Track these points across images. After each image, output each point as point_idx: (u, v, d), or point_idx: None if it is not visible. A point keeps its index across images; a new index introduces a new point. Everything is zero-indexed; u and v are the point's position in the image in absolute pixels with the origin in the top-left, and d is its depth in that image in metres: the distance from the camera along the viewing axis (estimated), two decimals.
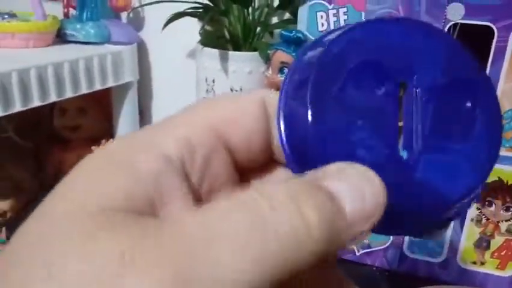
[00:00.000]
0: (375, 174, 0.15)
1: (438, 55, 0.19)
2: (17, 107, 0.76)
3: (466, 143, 0.18)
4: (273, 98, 0.20)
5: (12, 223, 0.92)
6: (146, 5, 0.86)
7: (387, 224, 0.16)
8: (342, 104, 0.18)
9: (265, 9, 0.84)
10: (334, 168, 0.16)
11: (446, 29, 0.39)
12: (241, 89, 0.78)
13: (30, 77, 0.77)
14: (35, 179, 0.99)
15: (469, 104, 0.19)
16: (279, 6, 0.83)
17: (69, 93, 0.85)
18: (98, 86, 0.91)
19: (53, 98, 0.82)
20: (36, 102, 0.79)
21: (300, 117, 0.18)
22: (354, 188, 0.15)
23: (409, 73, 0.19)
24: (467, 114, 0.19)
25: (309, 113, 0.17)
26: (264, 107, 0.20)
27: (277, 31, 0.85)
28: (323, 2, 0.44)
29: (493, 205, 0.43)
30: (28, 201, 0.98)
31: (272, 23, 0.88)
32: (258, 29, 0.84)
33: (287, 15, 0.88)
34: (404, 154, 0.18)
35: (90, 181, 0.19)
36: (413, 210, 0.17)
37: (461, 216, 0.44)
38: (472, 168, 0.18)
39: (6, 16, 0.95)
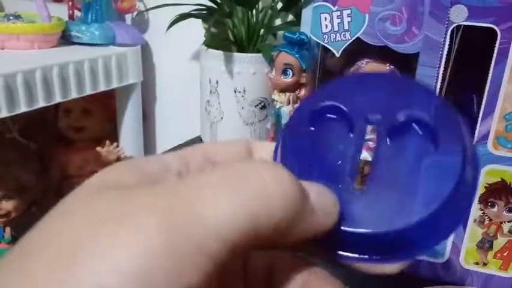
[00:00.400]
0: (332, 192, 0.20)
1: (400, 97, 0.21)
2: (22, 108, 0.76)
3: (418, 182, 0.20)
4: (255, 142, 0.24)
5: (17, 223, 0.93)
6: (151, 9, 0.87)
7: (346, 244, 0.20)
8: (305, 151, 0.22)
9: (269, 11, 0.84)
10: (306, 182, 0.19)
11: (449, 31, 0.39)
12: (244, 91, 0.78)
13: (36, 78, 0.78)
14: (39, 179, 1.00)
15: (428, 145, 0.20)
16: (283, 8, 0.83)
17: (74, 94, 0.85)
18: (102, 87, 0.92)
19: (57, 98, 0.82)
20: (41, 103, 0.79)
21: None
22: (318, 191, 0.19)
23: (372, 113, 0.21)
24: (426, 154, 0.20)
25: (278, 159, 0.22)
26: (248, 146, 0.24)
27: (280, 33, 0.85)
28: (327, 3, 0.44)
29: (496, 206, 0.43)
30: (32, 201, 0.99)
31: (276, 25, 0.88)
32: (262, 30, 0.84)
33: (290, 17, 0.89)
34: (359, 187, 0.21)
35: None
36: (366, 233, 0.19)
37: (465, 217, 0.44)
38: (423, 203, 0.19)
39: (11, 18, 0.95)
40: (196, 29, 0.91)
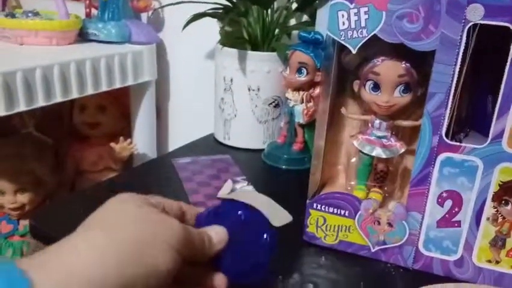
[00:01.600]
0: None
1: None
2: (40, 102, 0.77)
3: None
4: (187, 206, 0.42)
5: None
6: (167, 5, 0.88)
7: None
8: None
9: (284, 11, 0.84)
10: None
11: (466, 29, 0.40)
12: (258, 89, 0.79)
13: (54, 74, 0.79)
14: (54, 174, 1.01)
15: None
16: (298, 9, 0.84)
17: (90, 90, 0.87)
18: (118, 84, 0.93)
19: (74, 94, 0.84)
20: (58, 98, 0.81)
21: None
22: (216, 231, 0.39)
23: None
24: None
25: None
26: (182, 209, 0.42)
27: (294, 33, 0.85)
28: (345, 1, 0.44)
29: (510, 204, 0.43)
30: (47, 195, 1.00)
31: (290, 25, 0.89)
32: (277, 30, 0.85)
33: (305, 17, 0.89)
34: None
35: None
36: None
37: (477, 213, 0.45)
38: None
39: (30, 14, 0.97)
40: (211, 28, 0.92)
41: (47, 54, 0.85)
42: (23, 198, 0.96)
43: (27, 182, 0.96)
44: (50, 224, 0.57)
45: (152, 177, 0.72)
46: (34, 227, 0.57)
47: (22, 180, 0.95)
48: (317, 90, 0.74)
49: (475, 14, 0.39)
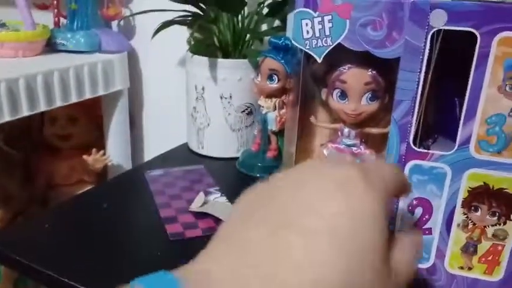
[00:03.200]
0: None
1: None
2: (6, 117, 0.75)
3: None
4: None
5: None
6: (136, 14, 0.86)
7: None
8: None
9: (255, 17, 0.84)
10: None
11: (429, 36, 0.39)
12: (230, 96, 0.78)
13: (19, 87, 0.77)
14: (24, 189, 0.99)
15: None
16: (269, 14, 0.83)
17: (58, 103, 0.85)
18: (88, 95, 0.91)
19: (42, 107, 0.81)
20: (25, 112, 0.78)
21: None
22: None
23: None
24: None
25: None
26: None
27: (267, 38, 0.85)
28: (308, 10, 0.44)
29: (479, 210, 0.43)
30: (17, 211, 0.98)
31: (262, 30, 0.88)
32: (248, 36, 0.84)
33: (277, 22, 0.89)
34: None
35: None
36: None
37: (448, 220, 0.44)
38: None
39: None
40: (183, 35, 0.91)
41: (13, 66, 0.82)
42: None
43: None
44: (13, 247, 0.55)
45: (123, 192, 0.70)
46: None
47: None
48: (290, 97, 0.74)
49: (438, 20, 0.38)
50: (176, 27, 0.80)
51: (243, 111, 0.81)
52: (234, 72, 0.78)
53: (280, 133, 0.75)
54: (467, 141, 0.41)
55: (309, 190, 0.26)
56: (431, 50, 0.40)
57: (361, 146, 0.51)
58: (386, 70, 0.46)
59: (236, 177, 0.77)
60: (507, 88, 0.38)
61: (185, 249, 0.55)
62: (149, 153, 1.16)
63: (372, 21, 0.41)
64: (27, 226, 0.63)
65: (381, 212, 0.25)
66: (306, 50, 0.45)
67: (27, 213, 1.00)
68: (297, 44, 0.46)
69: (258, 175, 0.76)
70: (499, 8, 0.37)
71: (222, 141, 0.82)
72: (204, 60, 0.78)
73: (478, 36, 0.38)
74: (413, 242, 0.30)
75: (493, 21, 0.37)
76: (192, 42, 0.83)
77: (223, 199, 0.67)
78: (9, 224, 0.96)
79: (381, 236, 0.25)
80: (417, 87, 0.41)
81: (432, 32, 0.39)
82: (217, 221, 0.60)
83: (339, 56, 0.46)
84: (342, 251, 0.23)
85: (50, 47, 0.97)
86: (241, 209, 0.28)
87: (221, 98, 0.79)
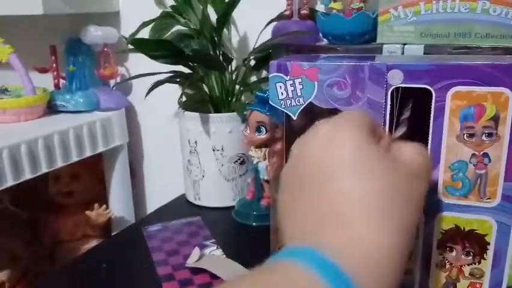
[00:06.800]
0: None
1: None
2: (9, 182, 0.79)
3: None
4: None
5: None
6: (131, 78, 0.90)
7: None
8: None
9: (243, 69, 0.88)
10: None
11: (389, 92, 0.43)
12: (222, 148, 0.81)
13: (21, 152, 0.80)
14: (30, 248, 1.01)
15: None
16: (255, 67, 0.87)
17: (59, 163, 0.88)
18: (88, 153, 0.95)
19: (43, 169, 0.85)
20: (27, 175, 0.82)
21: None
22: None
23: None
24: None
25: None
26: None
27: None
28: (280, 74, 0.48)
29: (454, 250, 0.45)
30: (25, 270, 1.00)
31: (250, 82, 0.92)
32: (237, 88, 0.88)
33: (265, 73, 0.93)
34: None
35: None
36: None
37: (426, 261, 0.46)
38: None
39: None
40: (177, 91, 0.95)
41: (15, 131, 0.86)
42: (2, 276, 0.96)
43: (3, 259, 0.95)
44: None
45: (122, 250, 0.72)
46: None
47: None
48: (278, 146, 0.77)
49: (395, 79, 0.42)
50: (168, 84, 0.84)
51: (236, 161, 0.84)
52: (224, 125, 0.81)
53: (271, 181, 0.78)
54: (435, 186, 0.43)
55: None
56: (392, 104, 0.43)
57: None
58: None
59: (232, 227, 0.79)
60: (465, 137, 0.41)
61: None
62: (151, 203, 1.18)
63: (337, 82, 0.45)
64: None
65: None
66: (282, 109, 0.49)
67: (35, 270, 1.02)
68: (274, 104, 0.49)
69: (253, 224, 0.78)
70: (449, 66, 0.40)
71: (217, 192, 0.85)
72: (196, 115, 0.81)
73: (433, 91, 0.41)
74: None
75: (445, 78, 0.40)
76: (184, 99, 0.87)
77: (219, 252, 0.69)
78: (19, 282, 0.99)
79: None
80: None
81: (391, 89, 0.42)
82: (213, 276, 0.62)
83: (316, 110, 0.50)
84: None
85: (51, 108, 1.02)
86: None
87: (213, 150, 0.82)
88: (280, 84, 0.48)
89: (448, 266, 0.46)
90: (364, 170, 0.31)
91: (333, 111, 0.47)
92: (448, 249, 0.46)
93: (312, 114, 0.51)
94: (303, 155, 0.35)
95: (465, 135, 0.41)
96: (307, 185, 0.33)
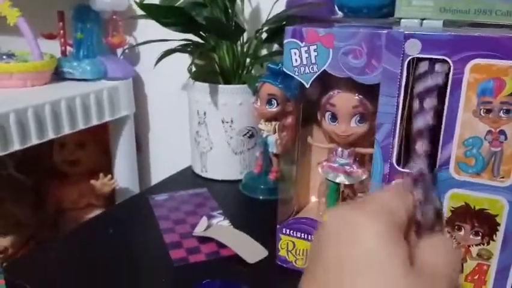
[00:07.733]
0: None
1: None
2: (16, 146, 0.78)
3: None
4: None
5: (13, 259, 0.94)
6: (140, 44, 0.89)
7: None
8: None
9: (254, 41, 0.86)
10: None
11: (405, 63, 0.41)
12: (232, 121, 0.80)
13: (28, 116, 0.80)
14: (34, 214, 1.01)
15: None
16: (267, 39, 0.86)
17: (66, 130, 0.88)
18: (95, 122, 0.94)
19: (50, 135, 0.84)
20: (34, 141, 0.81)
21: None
22: None
23: None
24: None
25: None
26: None
27: (267, 62, 0.87)
28: (296, 40, 0.46)
29: (462, 229, 0.44)
30: (29, 236, 1.00)
31: (261, 55, 0.90)
32: (248, 61, 0.86)
33: (276, 47, 0.91)
34: None
35: None
36: None
37: None
38: None
39: (4, 57, 0.98)
40: (185, 62, 0.94)
41: (22, 96, 0.86)
42: (5, 241, 0.96)
43: (8, 225, 0.96)
44: (23, 277, 0.57)
45: (128, 217, 0.72)
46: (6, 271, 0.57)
47: (2, 223, 0.95)
48: (289, 120, 0.76)
49: (413, 49, 0.40)
50: (178, 54, 0.83)
51: (245, 134, 0.83)
52: (234, 97, 0.80)
53: (281, 155, 0.77)
54: (446, 162, 0.42)
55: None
56: (408, 75, 0.42)
57: (353, 165, 0.54)
58: (372, 95, 0.48)
59: (239, 200, 0.79)
60: (481, 112, 0.40)
61: (189, 275, 0.57)
62: (156, 175, 1.18)
63: (352, 50, 0.44)
64: (35, 256, 0.64)
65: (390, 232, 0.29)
66: (295, 77, 0.48)
67: (38, 237, 1.02)
68: (287, 71, 0.48)
69: (260, 197, 0.78)
70: (469, 37, 0.39)
71: (225, 165, 0.85)
72: (205, 86, 0.80)
73: (451, 63, 0.40)
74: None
75: (464, 49, 0.39)
76: (193, 70, 0.86)
77: (226, 223, 0.69)
78: (21, 248, 0.99)
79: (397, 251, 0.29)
80: (397, 111, 0.43)
81: (408, 59, 0.41)
82: (220, 245, 0.62)
83: (329, 80, 0.49)
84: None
85: (58, 75, 1.01)
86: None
87: (223, 122, 0.81)
88: (295, 50, 0.47)
89: (455, 245, 0.46)
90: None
91: (351, 81, 0.46)
92: (456, 227, 0.45)
93: (326, 83, 0.50)
94: (321, 247, 0.31)
95: (482, 110, 0.40)
96: (323, 283, 0.30)
